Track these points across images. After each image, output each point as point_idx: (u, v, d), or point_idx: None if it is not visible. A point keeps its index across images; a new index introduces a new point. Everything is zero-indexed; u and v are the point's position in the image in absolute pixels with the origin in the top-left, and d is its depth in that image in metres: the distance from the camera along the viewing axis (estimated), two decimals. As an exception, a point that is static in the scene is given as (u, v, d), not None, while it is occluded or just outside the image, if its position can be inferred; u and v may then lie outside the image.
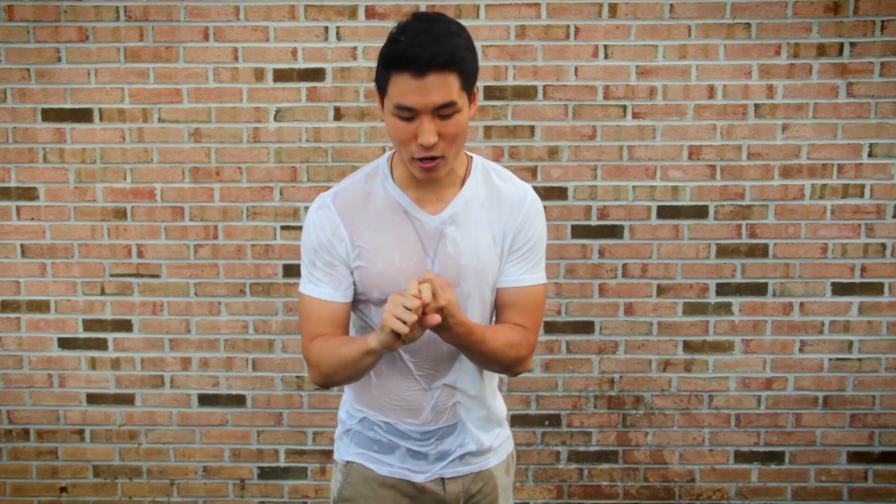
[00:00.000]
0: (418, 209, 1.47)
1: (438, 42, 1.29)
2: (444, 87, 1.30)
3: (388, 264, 1.45)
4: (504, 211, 1.49)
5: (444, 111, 1.33)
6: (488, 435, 1.62)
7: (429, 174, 1.39)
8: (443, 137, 1.34)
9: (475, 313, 1.50)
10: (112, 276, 2.83)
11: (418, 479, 1.57)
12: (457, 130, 1.35)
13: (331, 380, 1.46)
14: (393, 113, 1.35)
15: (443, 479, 1.58)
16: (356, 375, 1.45)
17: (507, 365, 1.49)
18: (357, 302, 1.53)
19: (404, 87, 1.31)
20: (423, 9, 2.69)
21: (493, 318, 1.58)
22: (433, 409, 1.54)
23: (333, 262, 1.47)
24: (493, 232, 1.49)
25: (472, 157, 1.54)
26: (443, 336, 1.38)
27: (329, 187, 1.62)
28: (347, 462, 1.62)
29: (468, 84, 1.37)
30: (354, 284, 1.50)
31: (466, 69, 1.34)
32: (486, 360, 1.46)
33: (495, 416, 1.64)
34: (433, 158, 1.36)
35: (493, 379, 1.64)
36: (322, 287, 1.48)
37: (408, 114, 1.33)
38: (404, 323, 1.25)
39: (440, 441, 1.56)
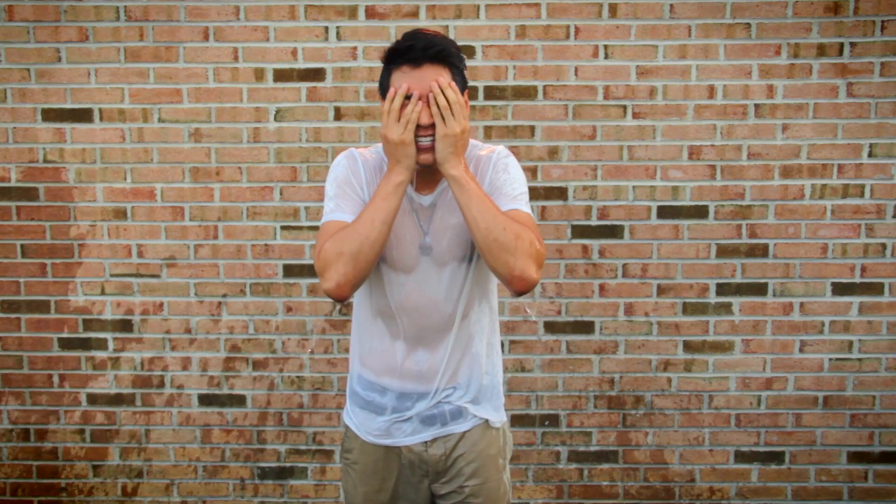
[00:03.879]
0: (414, 192, 1.67)
1: (431, 39, 1.55)
2: (437, 76, 1.53)
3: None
4: (480, 170, 1.68)
5: None
6: (475, 405, 1.73)
7: (424, 155, 1.56)
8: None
9: (464, 262, 1.67)
10: (112, 276, 2.83)
11: (403, 441, 1.71)
12: None
13: (354, 260, 1.51)
14: None
15: (425, 441, 1.71)
16: (384, 230, 1.52)
17: (513, 244, 1.51)
18: None
19: (403, 78, 1.54)
20: (423, 9, 2.70)
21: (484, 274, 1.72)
22: (418, 371, 1.68)
23: (359, 192, 1.65)
24: None
25: None
26: (440, 160, 1.53)
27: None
28: (346, 425, 1.80)
29: (458, 82, 1.57)
30: None
31: (456, 66, 1.57)
32: (490, 220, 1.51)
33: (485, 391, 1.74)
34: (428, 143, 1.54)
35: (484, 355, 1.73)
36: (349, 216, 1.59)
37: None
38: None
39: (424, 403, 1.69)
